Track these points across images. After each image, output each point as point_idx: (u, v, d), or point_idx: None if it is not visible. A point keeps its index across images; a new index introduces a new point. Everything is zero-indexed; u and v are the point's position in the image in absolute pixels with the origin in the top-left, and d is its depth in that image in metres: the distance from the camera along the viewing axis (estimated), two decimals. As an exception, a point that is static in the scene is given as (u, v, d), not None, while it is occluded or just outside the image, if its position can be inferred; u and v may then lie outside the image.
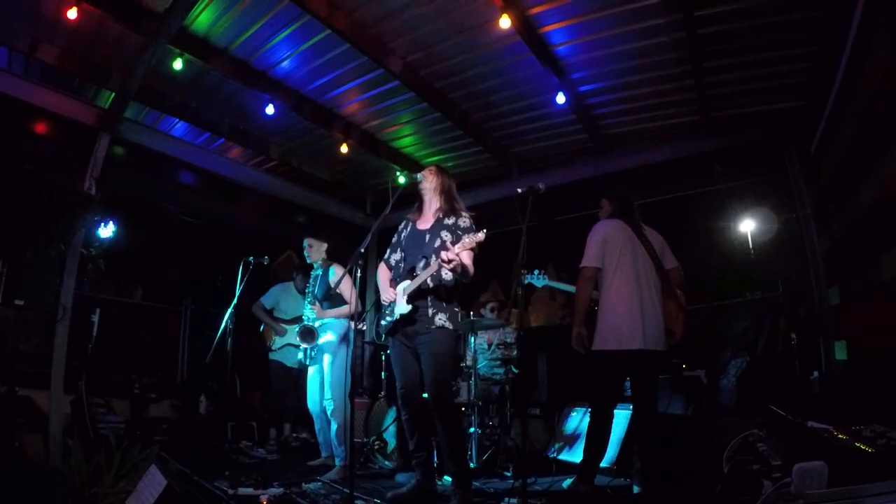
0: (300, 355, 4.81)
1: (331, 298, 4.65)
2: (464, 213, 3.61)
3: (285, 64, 5.26)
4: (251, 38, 4.90)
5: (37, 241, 3.94)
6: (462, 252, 3.20)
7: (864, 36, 3.39)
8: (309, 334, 4.66)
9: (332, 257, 4.97)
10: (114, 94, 5.26)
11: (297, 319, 5.26)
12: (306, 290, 4.93)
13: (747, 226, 6.06)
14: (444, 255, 3.15)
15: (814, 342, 4.88)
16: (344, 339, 4.58)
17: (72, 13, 4.26)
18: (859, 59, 3.56)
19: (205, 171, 6.28)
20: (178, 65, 4.97)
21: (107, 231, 5.05)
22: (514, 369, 5.19)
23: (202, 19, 4.70)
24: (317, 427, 4.77)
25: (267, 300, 6.00)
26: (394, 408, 5.04)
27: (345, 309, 4.58)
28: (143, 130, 5.66)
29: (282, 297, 6.10)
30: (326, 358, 4.55)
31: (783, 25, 4.28)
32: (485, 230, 3.23)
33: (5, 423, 3.71)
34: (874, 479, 1.87)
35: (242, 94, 5.70)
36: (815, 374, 4.85)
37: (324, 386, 4.54)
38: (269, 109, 5.62)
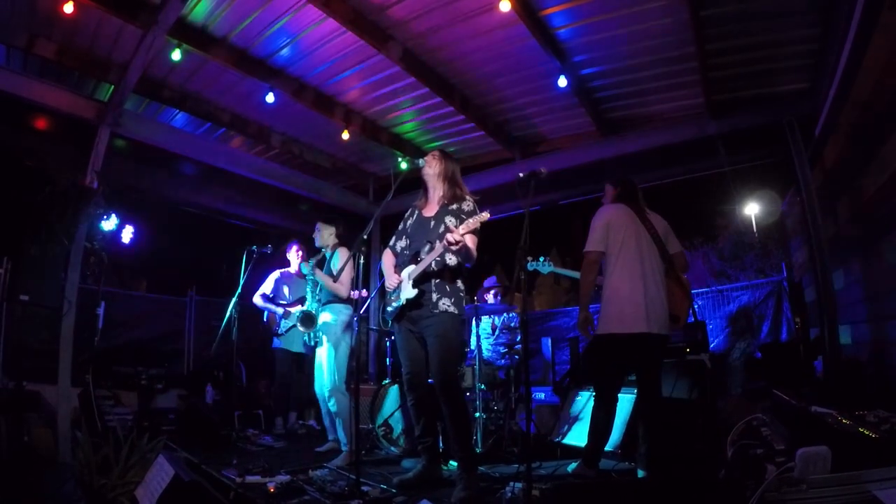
0: (305, 337, 4.84)
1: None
2: (467, 198, 3.59)
3: (285, 52, 5.23)
4: (250, 26, 4.87)
5: (40, 237, 3.95)
6: (466, 235, 3.21)
7: (869, 17, 3.34)
8: (309, 320, 4.70)
9: (344, 242, 4.94)
10: (113, 87, 5.24)
11: (301, 301, 5.31)
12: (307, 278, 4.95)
13: (752, 209, 6.03)
14: (448, 236, 3.15)
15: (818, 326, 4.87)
16: (347, 326, 4.60)
17: (68, 7, 4.25)
18: (864, 41, 3.51)
19: (206, 162, 6.27)
20: (176, 55, 4.95)
21: (109, 224, 5.05)
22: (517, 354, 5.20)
23: (200, 8, 4.67)
24: (323, 411, 4.80)
25: (267, 287, 6.02)
26: (394, 388, 5.05)
27: (340, 287, 4.57)
28: (144, 122, 5.65)
29: (282, 283, 6.12)
30: (328, 344, 4.56)
31: (787, 7, 4.23)
32: (488, 211, 3.24)
33: (15, 417, 3.75)
34: (877, 464, 1.87)
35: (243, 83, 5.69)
36: (819, 358, 4.85)
37: (325, 371, 4.56)
38: (270, 97, 5.59)
